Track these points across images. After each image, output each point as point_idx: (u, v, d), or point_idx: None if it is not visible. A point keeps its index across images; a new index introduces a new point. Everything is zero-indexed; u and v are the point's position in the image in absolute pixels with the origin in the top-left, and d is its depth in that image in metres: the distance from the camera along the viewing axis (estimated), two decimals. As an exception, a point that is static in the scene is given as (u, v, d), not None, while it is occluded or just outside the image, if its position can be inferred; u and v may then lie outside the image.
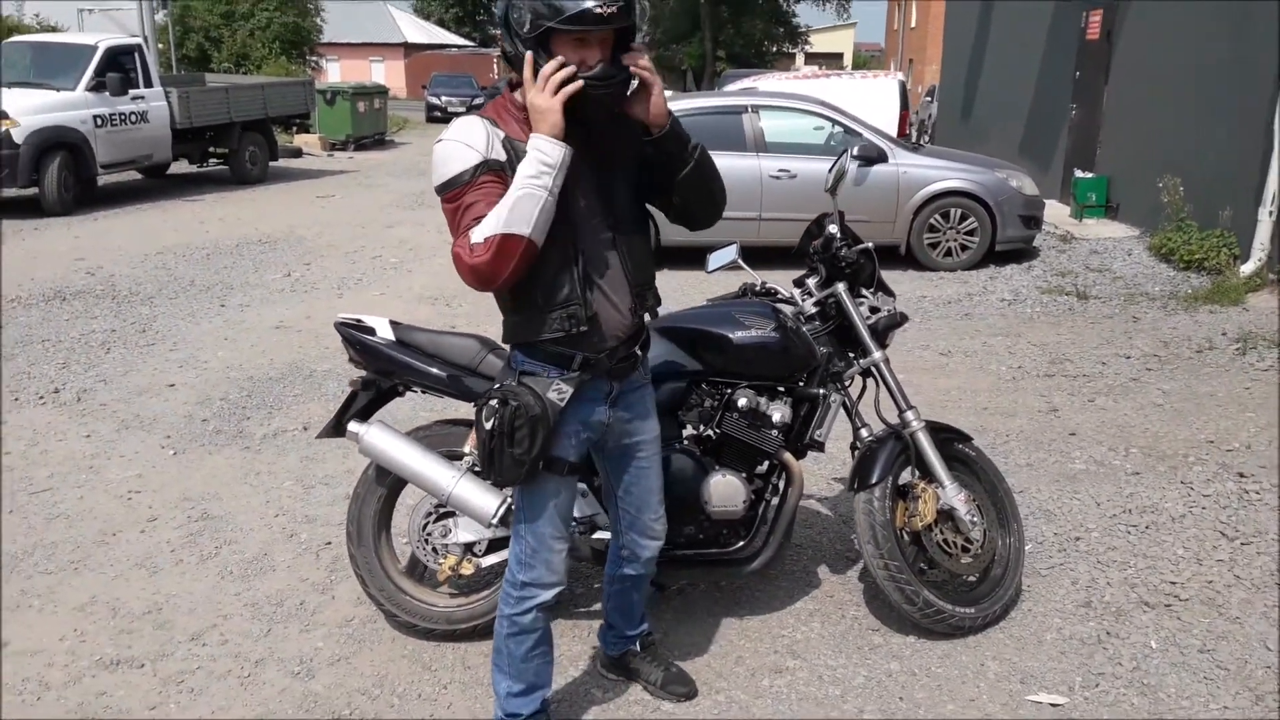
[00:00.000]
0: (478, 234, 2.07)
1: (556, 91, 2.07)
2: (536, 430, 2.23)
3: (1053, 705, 2.79)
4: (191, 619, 3.31)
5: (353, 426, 3.05)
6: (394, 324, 3.10)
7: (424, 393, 3.13)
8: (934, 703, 2.82)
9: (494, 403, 2.24)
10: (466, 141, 2.15)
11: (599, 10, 2.02)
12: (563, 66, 2.08)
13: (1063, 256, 9.12)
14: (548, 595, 2.43)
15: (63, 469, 4.52)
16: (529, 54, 2.10)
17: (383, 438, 3.01)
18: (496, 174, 2.13)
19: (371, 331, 3.07)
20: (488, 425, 2.23)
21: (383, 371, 3.08)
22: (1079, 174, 11.07)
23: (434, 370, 3.01)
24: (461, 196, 2.14)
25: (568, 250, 2.21)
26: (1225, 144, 8.24)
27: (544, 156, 2.08)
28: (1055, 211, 10.90)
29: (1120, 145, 10.58)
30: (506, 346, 2.40)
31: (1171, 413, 5.00)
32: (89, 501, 4.20)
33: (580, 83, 2.08)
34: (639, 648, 2.92)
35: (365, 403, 3.12)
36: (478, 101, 30.81)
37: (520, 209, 2.07)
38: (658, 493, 2.64)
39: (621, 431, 2.49)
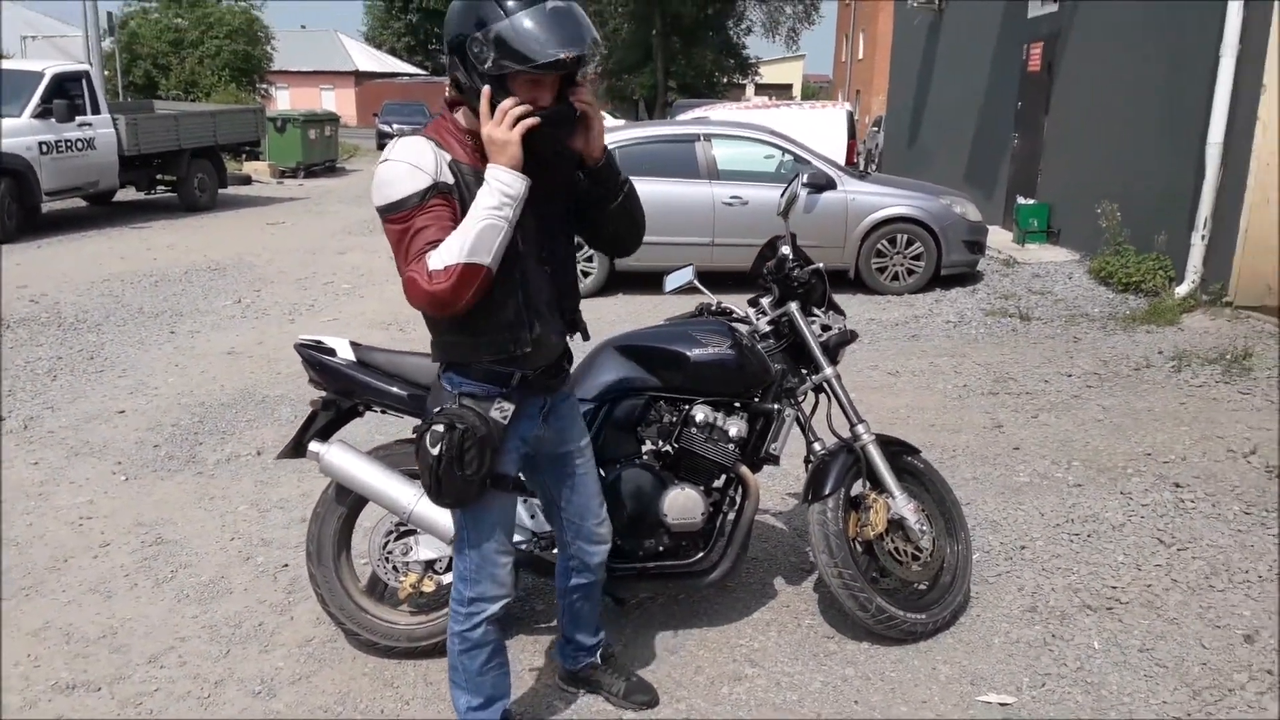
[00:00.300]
0: (436, 260, 2.09)
1: (514, 125, 2.13)
2: (485, 450, 2.29)
3: (1001, 705, 2.88)
4: (148, 642, 3.28)
5: (313, 446, 3.08)
6: (354, 345, 3.14)
7: (384, 412, 3.16)
8: (888, 705, 2.90)
9: (439, 428, 2.26)
10: (415, 163, 2.15)
11: (565, 59, 2.10)
12: (519, 104, 2.14)
13: (1006, 280, 9.37)
14: (495, 608, 2.48)
15: (11, 496, 4.45)
16: (486, 89, 2.14)
17: (343, 457, 3.04)
18: (445, 197, 2.16)
19: (332, 352, 3.10)
20: (434, 450, 2.26)
21: (343, 391, 3.11)
22: (1021, 201, 11.39)
23: (394, 390, 3.05)
24: (411, 219, 2.13)
25: (513, 275, 2.25)
26: (1160, 172, 8.55)
27: (505, 188, 2.13)
28: (999, 237, 11.19)
29: (1060, 173, 10.91)
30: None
31: (1111, 427, 5.17)
32: (39, 528, 4.14)
33: (537, 119, 2.15)
34: (599, 659, 2.97)
35: (325, 423, 3.14)
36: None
37: (484, 239, 2.10)
38: (598, 496, 2.72)
39: (555, 442, 2.57)
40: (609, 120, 36.17)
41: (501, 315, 2.26)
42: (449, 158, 2.19)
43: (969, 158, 14.25)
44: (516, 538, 3.02)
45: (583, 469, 2.65)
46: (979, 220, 9.38)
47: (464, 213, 2.14)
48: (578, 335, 2.52)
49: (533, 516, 3.14)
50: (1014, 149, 12.39)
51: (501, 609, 2.49)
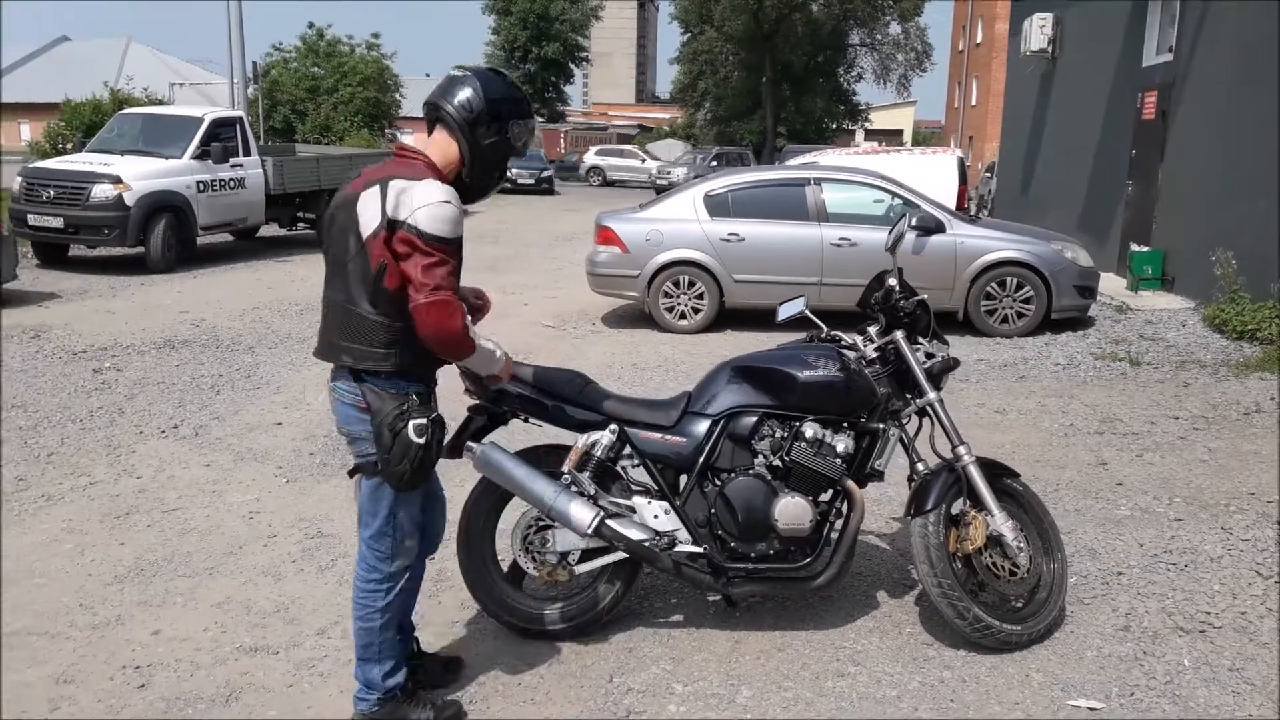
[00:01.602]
0: (455, 303, 2.70)
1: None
2: (442, 439, 2.85)
3: (1090, 710, 3.08)
4: (315, 616, 3.74)
5: (470, 444, 3.50)
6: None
7: (526, 420, 3.57)
8: (982, 705, 3.13)
9: (421, 421, 2.74)
10: (461, 213, 2.73)
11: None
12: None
13: (1118, 326, 9.38)
14: (406, 575, 2.95)
15: (189, 492, 5.02)
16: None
17: (494, 455, 3.45)
18: None
19: (485, 366, 3.53)
20: (421, 440, 2.72)
21: (493, 400, 3.53)
22: (1135, 247, 11.35)
23: (538, 400, 3.46)
24: (449, 257, 2.69)
25: None
26: (1275, 219, 8.49)
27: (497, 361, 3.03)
28: (1112, 284, 11.16)
29: (1175, 220, 10.86)
30: (595, 382, 3.09)
31: (1216, 468, 5.26)
32: (215, 519, 4.68)
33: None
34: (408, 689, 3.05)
35: (478, 427, 3.57)
36: (546, 174, 31.94)
37: (481, 354, 2.93)
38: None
39: None
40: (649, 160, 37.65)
41: None
42: None
43: (1083, 204, 14.19)
44: (641, 536, 3.38)
45: None
46: (1090, 265, 9.43)
47: None
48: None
49: (656, 517, 3.47)
50: (1128, 196, 12.34)
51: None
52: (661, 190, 28.56)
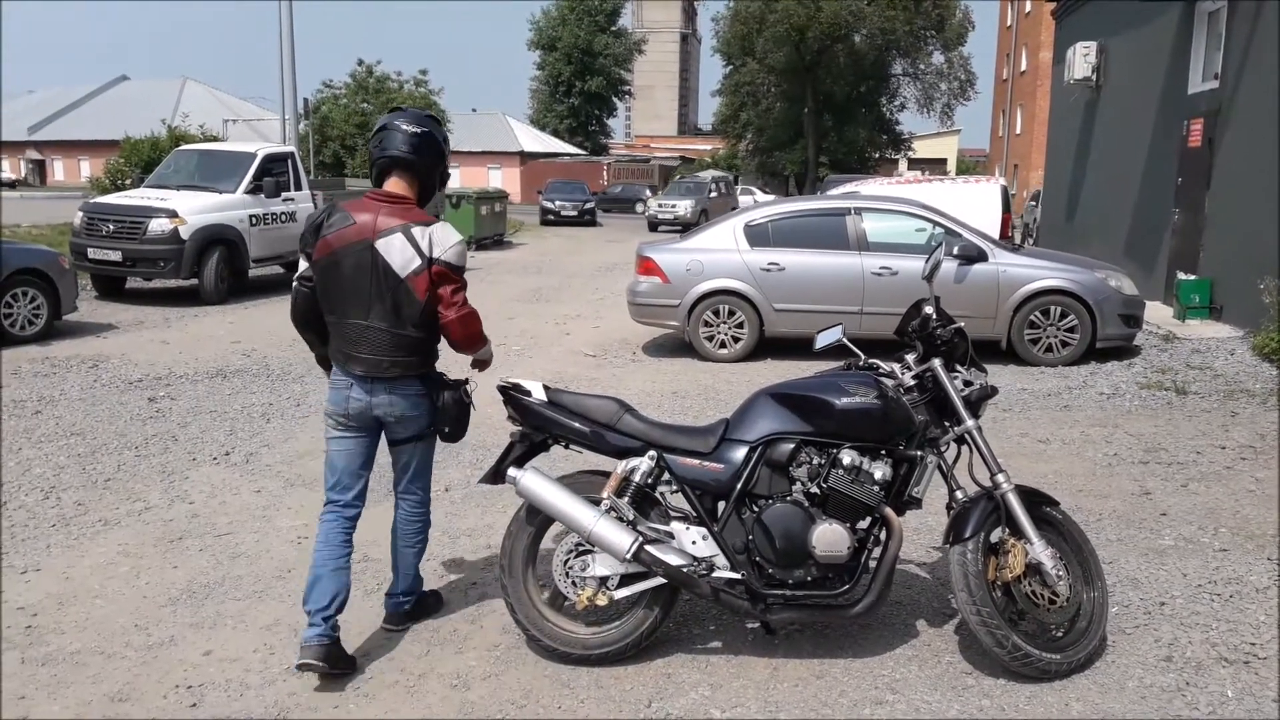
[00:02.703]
0: (475, 312, 3.59)
1: None
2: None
3: (1132, 740, 3.06)
4: (361, 639, 3.81)
5: (511, 472, 3.58)
6: (546, 387, 3.65)
7: (567, 446, 3.65)
8: (1021, 733, 3.12)
9: (470, 388, 3.70)
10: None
11: None
12: None
13: (1164, 355, 9.27)
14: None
15: (240, 517, 5.15)
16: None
17: (536, 481, 3.53)
18: None
19: (528, 393, 3.63)
20: (469, 402, 3.68)
21: (535, 426, 3.62)
22: (1182, 276, 11.21)
23: (578, 426, 3.54)
24: (464, 282, 3.53)
25: None
26: (1327, 246, 8.38)
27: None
28: (1159, 312, 11.03)
29: (1223, 248, 10.73)
30: (635, 409, 3.49)
31: (1264, 498, 5.18)
32: (265, 544, 4.80)
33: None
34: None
35: (520, 453, 3.65)
36: (588, 206, 32.26)
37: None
38: None
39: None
40: (759, 195, 37.52)
41: None
42: None
43: (1128, 232, 14.06)
44: (679, 562, 3.43)
45: None
46: (1135, 294, 9.34)
47: None
48: None
49: (694, 543, 3.52)
50: (1174, 224, 12.22)
51: None
52: (655, 227, 29.10)
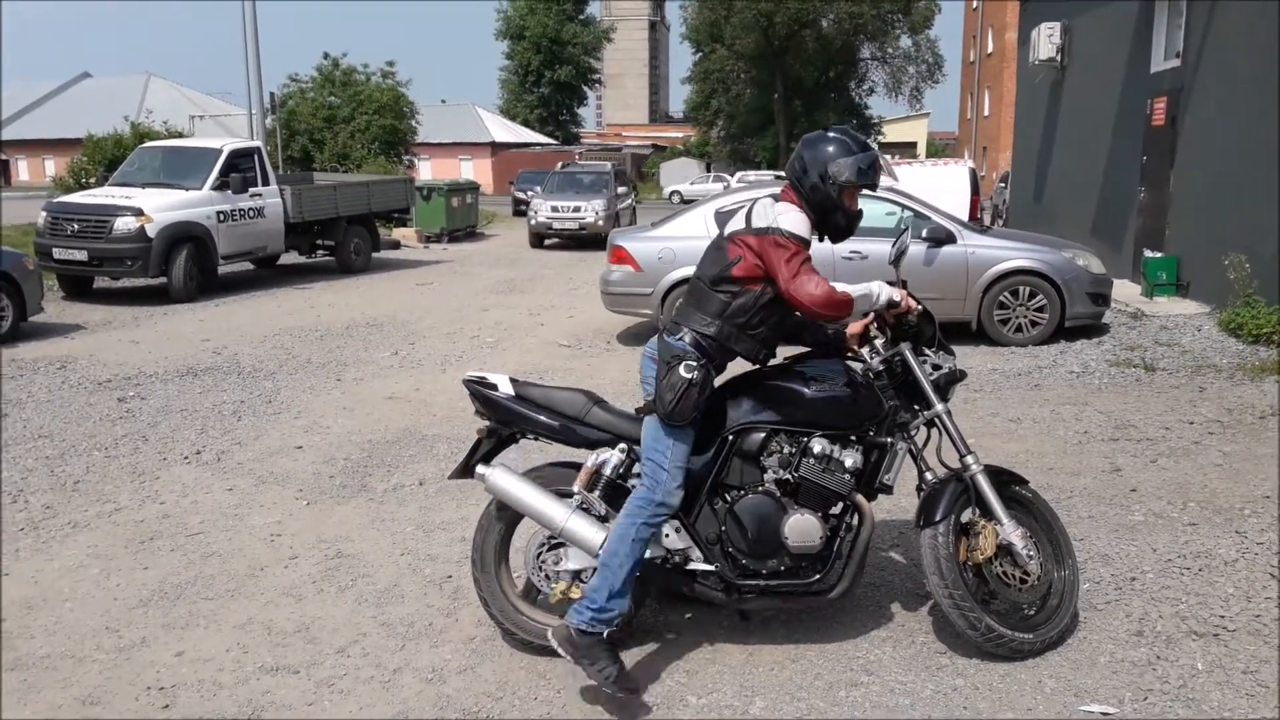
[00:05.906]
0: None
1: None
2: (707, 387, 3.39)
3: (1104, 715, 3.10)
4: (336, 636, 3.80)
5: (480, 468, 3.56)
6: (513, 380, 3.63)
7: (536, 439, 3.64)
8: (995, 711, 3.15)
9: (693, 363, 3.26)
10: None
11: None
12: None
13: (1132, 332, 9.36)
14: (659, 522, 3.37)
15: (211, 516, 5.11)
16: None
17: (504, 478, 3.51)
18: None
19: (494, 387, 3.60)
20: (689, 376, 3.25)
21: (503, 421, 3.60)
22: (1149, 254, 11.33)
23: (546, 420, 3.53)
24: None
25: None
26: (1290, 222, 8.48)
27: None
28: (1127, 290, 11.14)
29: (1188, 225, 10.84)
30: (604, 400, 3.36)
31: (1231, 472, 5.25)
32: (237, 542, 4.76)
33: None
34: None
35: (489, 448, 3.64)
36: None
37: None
38: None
39: None
40: (732, 182, 37.33)
41: None
42: None
43: (1095, 212, 14.18)
44: (652, 554, 3.42)
45: None
46: (1103, 273, 9.42)
47: None
48: None
49: (667, 535, 3.49)
50: (1140, 202, 12.33)
51: None
52: (542, 240, 22.49)
